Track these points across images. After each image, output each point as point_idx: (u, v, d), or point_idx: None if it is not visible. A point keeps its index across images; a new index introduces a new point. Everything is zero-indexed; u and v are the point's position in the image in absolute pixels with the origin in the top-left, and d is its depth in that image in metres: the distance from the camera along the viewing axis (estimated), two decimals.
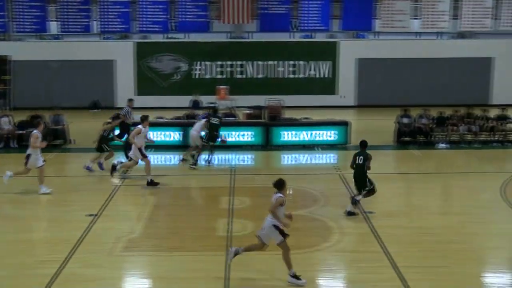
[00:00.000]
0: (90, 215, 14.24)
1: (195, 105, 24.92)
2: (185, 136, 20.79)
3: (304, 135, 21.46)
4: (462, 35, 32.31)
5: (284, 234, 10.77)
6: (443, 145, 21.89)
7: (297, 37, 31.58)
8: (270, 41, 30.91)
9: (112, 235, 13.05)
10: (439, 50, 30.92)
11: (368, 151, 14.58)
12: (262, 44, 30.88)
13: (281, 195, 10.71)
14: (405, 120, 22.70)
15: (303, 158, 20.68)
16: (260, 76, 30.84)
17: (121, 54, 30.62)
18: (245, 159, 20.80)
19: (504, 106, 24.09)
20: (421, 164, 20.23)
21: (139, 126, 17.18)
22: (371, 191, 14.55)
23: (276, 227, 10.67)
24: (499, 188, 16.83)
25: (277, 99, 23.74)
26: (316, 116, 23.27)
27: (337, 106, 29.34)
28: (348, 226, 13.92)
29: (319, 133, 21.38)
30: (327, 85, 30.73)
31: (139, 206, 15.37)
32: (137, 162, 17.23)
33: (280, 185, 10.78)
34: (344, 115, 25.09)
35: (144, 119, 17.40)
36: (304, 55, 30.73)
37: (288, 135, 21.49)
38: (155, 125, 21.42)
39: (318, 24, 30.84)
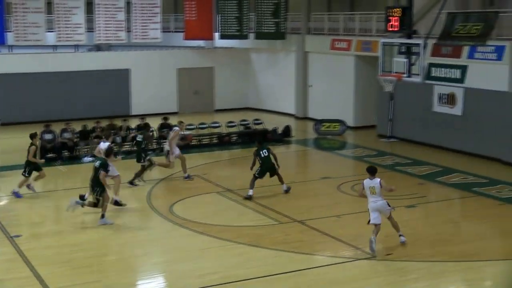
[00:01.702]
0: None
1: None
2: None
3: None
4: (99, 48, 32.77)
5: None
6: (89, 159, 21.88)
7: None
8: None
9: None
10: (78, 63, 30.83)
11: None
12: None
13: (379, 178, 12.97)
14: (48, 136, 22.21)
15: None
16: None
17: None
18: None
19: (143, 116, 24.99)
20: (68, 180, 19.94)
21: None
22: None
23: (387, 203, 13.04)
24: (146, 196, 17.51)
25: None
26: None
27: None
28: None
29: None
30: None
31: None
32: None
33: (375, 170, 13.08)
34: None
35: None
36: None
37: None
38: None
39: None
